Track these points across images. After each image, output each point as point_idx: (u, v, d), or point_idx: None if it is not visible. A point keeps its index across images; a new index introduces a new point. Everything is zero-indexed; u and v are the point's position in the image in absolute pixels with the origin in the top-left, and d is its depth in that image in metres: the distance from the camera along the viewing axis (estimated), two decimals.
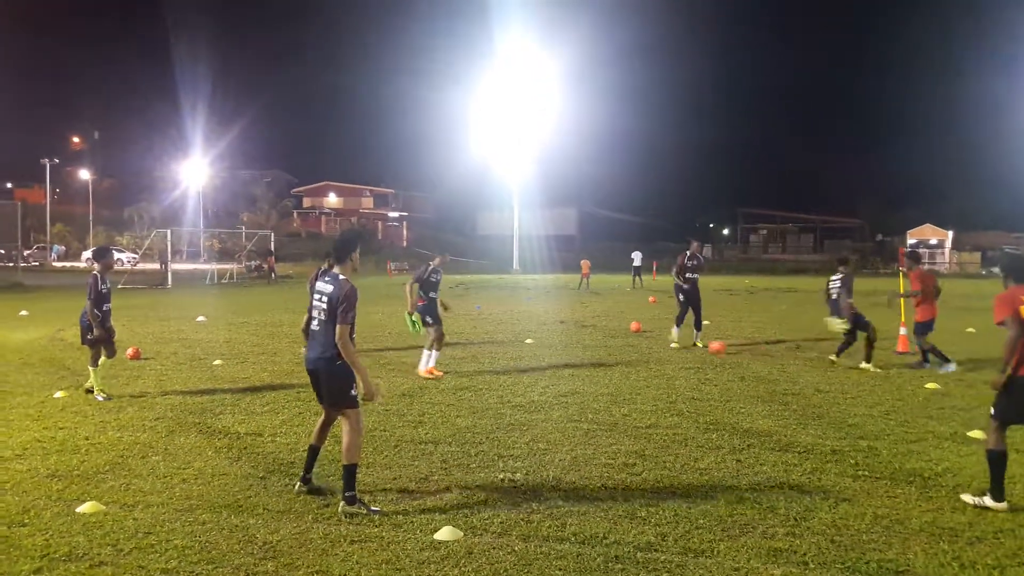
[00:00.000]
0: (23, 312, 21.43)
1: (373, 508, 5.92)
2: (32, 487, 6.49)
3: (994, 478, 6.03)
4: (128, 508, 5.98)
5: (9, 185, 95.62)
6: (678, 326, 15.62)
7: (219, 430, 8.44)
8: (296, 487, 6.36)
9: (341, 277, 6.02)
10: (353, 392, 6.04)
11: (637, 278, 38.32)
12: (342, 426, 6.14)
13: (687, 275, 15.50)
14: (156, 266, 46.30)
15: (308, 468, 6.40)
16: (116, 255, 59.25)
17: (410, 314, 11.33)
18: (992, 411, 6.20)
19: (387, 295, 28.24)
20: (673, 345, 15.20)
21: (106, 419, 8.94)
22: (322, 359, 6.03)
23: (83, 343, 10.44)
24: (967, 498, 6.10)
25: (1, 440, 7.98)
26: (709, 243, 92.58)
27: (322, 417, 6.44)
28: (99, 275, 10.22)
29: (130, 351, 13.64)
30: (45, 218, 74.48)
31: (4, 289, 32.22)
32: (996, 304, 6.18)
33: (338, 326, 5.85)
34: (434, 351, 11.77)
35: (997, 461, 6.03)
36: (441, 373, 11.78)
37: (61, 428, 8.50)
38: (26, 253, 56.96)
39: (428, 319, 11.64)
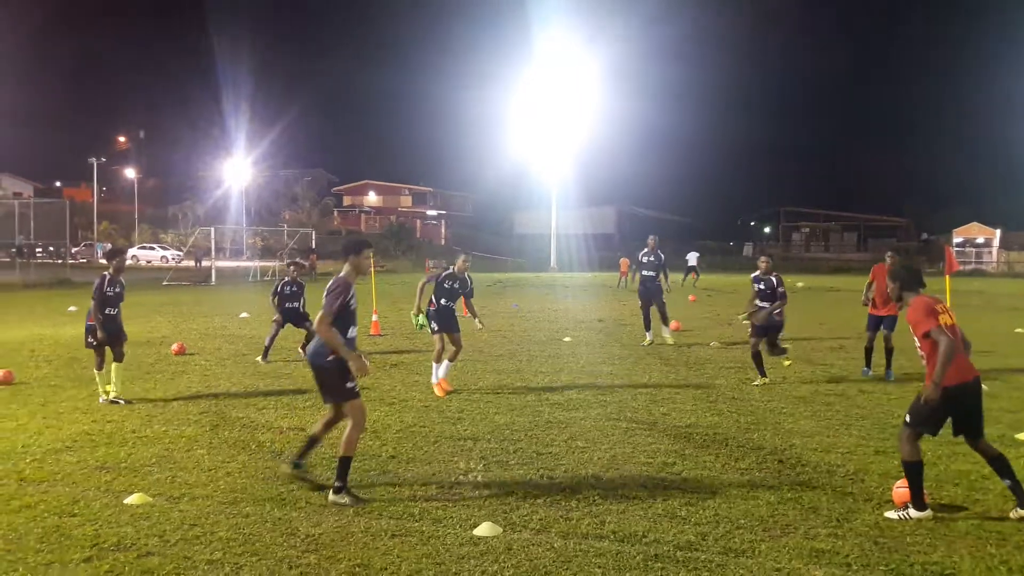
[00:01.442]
0: (72, 308, 21.90)
1: (360, 498, 6.06)
2: (82, 478, 6.65)
3: (913, 488, 5.74)
4: (174, 500, 6.10)
5: (58, 184, 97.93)
6: (648, 329, 15.29)
7: (262, 424, 8.57)
8: (283, 467, 6.61)
9: (340, 275, 6.31)
10: (350, 384, 6.14)
11: (690, 275, 37.77)
12: (347, 419, 6.26)
13: (643, 272, 15.18)
14: (202, 263, 47.00)
15: (301, 454, 6.57)
16: (161, 253, 60.15)
17: (415, 314, 10.56)
18: (908, 419, 5.89)
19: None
20: (644, 344, 15.03)
21: (152, 413, 9.12)
22: (315, 354, 6.25)
23: (86, 346, 10.11)
24: (891, 514, 5.76)
25: (52, 432, 8.19)
26: (751, 242, 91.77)
27: (329, 414, 6.51)
28: (108, 276, 9.87)
29: (175, 346, 13.89)
30: (92, 216, 76.08)
31: (53, 285, 32.97)
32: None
33: (320, 312, 6.02)
34: (444, 363, 10.42)
35: (917, 471, 5.75)
36: (450, 388, 10.36)
37: (109, 421, 8.70)
38: (74, 250, 58.18)
39: (434, 325, 10.43)
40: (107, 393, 9.75)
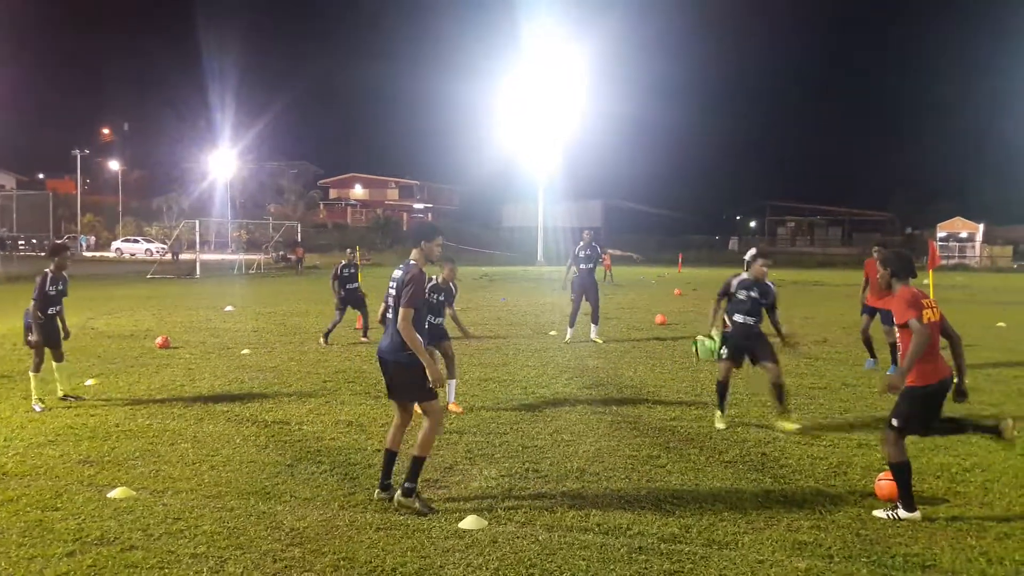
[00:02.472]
0: None
1: (429, 507, 5.72)
2: (64, 472, 6.62)
3: (902, 489, 5.71)
4: (158, 494, 6.08)
5: (41, 176, 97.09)
6: (571, 326, 14.91)
7: (247, 418, 8.55)
8: (375, 494, 6.00)
9: (411, 262, 5.88)
10: (429, 384, 5.74)
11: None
12: (422, 419, 5.91)
13: (580, 266, 14.83)
14: (182, 256, 46.75)
15: (386, 474, 6.02)
16: (146, 246, 59.69)
17: None
18: (894, 422, 5.76)
19: None
20: (566, 342, 14.58)
21: (136, 407, 9.08)
22: (390, 349, 5.80)
23: (24, 343, 9.49)
24: (879, 513, 5.73)
25: (35, 426, 8.14)
26: (736, 236, 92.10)
27: (396, 419, 6.08)
28: (49, 274, 9.23)
29: (159, 340, 13.83)
30: (76, 208, 75.54)
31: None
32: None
33: (402, 308, 5.64)
34: (451, 382, 9.13)
35: (905, 472, 5.70)
36: (460, 409, 8.96)
37: (92, 415, 8.65)
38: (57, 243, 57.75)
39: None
40: (42, 401, 8.99)
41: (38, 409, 8.87)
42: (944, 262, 59.35)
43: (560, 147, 63.72)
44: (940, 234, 69.44)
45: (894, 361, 11.81)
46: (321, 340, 14.17)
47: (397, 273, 5.86)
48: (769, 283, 8.48)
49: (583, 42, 61.96)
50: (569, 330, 14.93)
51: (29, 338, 9.20)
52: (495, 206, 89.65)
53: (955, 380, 5.84)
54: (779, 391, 8.21)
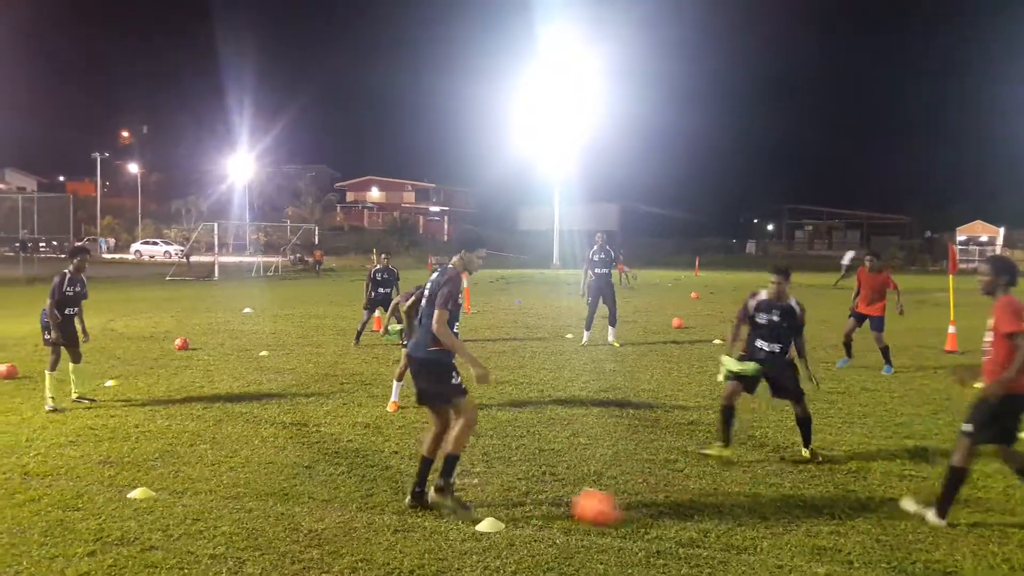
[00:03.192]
0: None
1: (463, 505, 5.71)
2: (85, 473, 6.67)
3: (948, 494, 5.60)
4: (177, 495, 6.12)
5: (61, 178, 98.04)
6: (588, 329, 14.91)
7: (265, 420, 8.59)
8: (406, 501, 5.89)
9: (450, 266, 5.93)
10: (455, 380, 5.74)
11: (845, 278, 36.42)
12: (455, 416, 5.83)
13: (596, 270, 14.80)
14: (194, 259, 47.05)
15: (418, 481, 5.90)
16: (164, 248, 60.01)
17: (387, 327, 10.08)
18: (968, 428, 5.64)
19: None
20: (582, 345, 14.55)
21: (156, 408, 9.14)
22: (417, 348, 5.86)
23: (44, 343, 9.50)
24: (907, 504, 5.74)
25: (56, 427, 8.21)
26: (753, 239, 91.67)
27: (432, 426, 6.00)
28: (68, 274, 9.29)
29: (178, 342, 13.92)
30: (96, 211, 76.21)
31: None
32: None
33: (436, 310, 5.66)
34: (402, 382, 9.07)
35: (960, 479, 5.60)
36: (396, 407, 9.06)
37: (112, 416, 8.72)
38: (77, 245, 58.26)
39: (406, 342, 7.43)
40: (53, 399, 9.01)
41: (48, 408, 8.91)
42: (964, 266, 58.79)
43: (576, 150, 63.68)
44: (960, 238, 68.84)
45: (887, 362, 11.84)
46: (353, 343, 14.44)
47: (434, 276, 5.92)
48: (793, 302, 7.23)
49: (600, 44, 62.01)
50: (586, 333, 14.91)
51: (47, 336, 9.29)
52: (511, 209, 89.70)
53: None
54: (805, 428, 7.22)
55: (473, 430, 5.95)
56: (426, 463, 5.91)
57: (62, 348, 9.30)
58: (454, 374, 5.77)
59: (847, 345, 12.43)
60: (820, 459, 7.08)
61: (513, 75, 66.82)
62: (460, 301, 5.83)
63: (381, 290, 14.69)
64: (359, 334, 14.62)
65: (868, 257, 12.38)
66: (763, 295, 7.24)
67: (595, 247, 14.91)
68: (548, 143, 62.03)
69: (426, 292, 5.94)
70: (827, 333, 16.66)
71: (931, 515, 5.62)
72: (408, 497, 5.91)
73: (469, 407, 5.81)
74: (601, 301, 14.83)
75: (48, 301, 9.21)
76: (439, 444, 5.95)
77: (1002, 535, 5.42)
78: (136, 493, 6.07)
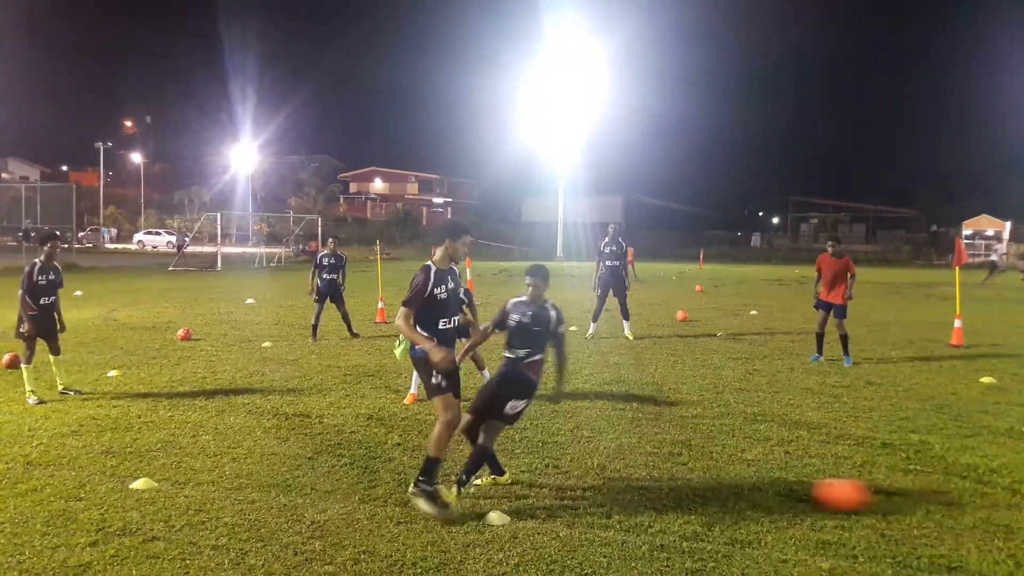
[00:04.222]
0: (77, 292, 21.96)
1: (440, 506, 5.50)
2: (87, 463, 6.66)
3: None
4: (179, 485, 6.10)
5: (64, 168, 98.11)
6: (595, 321, 14.84)
7: (268, 411, 8.57)
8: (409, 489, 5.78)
9: (427, 262, 5.79)
10: (435, 380, 5.60)
11: (992, 273, 35.73)
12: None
13: (606, 262, 14.70)
14: (207, 249, 47.09)
15: (468, 471, 5.85)
16: (167, 238, 59.89)
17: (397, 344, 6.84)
18: None
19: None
20: (587, 337, 14.49)
21: (158, 398, 9.13)
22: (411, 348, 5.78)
23: (16, 336, 9.27)
24: None
25: (58, 417, 8.20)
26: (758, 232, 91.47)
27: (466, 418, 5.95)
28: (39, 263, 9.03)
29: (181, 332, 13.90)
30: (98, 200, 76.23)
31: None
32: None
33: (402, 307, 5.60)
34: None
35: None
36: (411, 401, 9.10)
37: (115, 406, 8.70)
38: (80, 235, 58.31)
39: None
40: (34, 393, 8.87)
41: (32, 402, 8.77)
42: (971, 260, 58.64)
43: (581, 141, 63.54)
44: (966, 231, 68.68)
45: (845, 352, 11.79)
46: (310, 339, 13.81)
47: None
48: (549, 305, 6.07)
49: (605, 36, 61.88)
50: (592, 325, 14.86)
51: (20, 330, 9.08)
52: (515, 201, 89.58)
53: None
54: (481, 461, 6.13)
55: (453, 434, 5.72)
56: (481, 454, 5.91)
57: (38, 340, 9.12)
58: (432, 375, 5.61)
59: (819, 340, 12.30)
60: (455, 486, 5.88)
61: (519, 66, 66.68)
62: (442, 296, 5.66)
63: (326, 276, 14.24)
64: (315, 328, 13.96)
65: (830, 242, 12.32)
66: (606, 238, 6.70)
67: (607, 239, 14.81)
68: (553, 135, 61.92)
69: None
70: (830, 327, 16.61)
71: None
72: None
73: (441, 408, 5.63)
74: (612, 294, 14.79)
75: (19, 292, 9.01)
76: (476, 432, 5.93)
77: (1007, 531, 5.39)
78: (138, 484, 6.06)
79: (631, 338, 14.57)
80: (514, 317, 5.97)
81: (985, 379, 10.76)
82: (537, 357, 5.99)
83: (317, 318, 14.06)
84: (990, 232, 71.29)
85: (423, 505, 5.52)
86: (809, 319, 18.27)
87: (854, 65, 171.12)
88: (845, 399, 9.53)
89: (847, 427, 8.16)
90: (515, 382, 5.91)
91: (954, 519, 5.59)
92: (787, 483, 6.34)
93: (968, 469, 6.74)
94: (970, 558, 4.95)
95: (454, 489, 5.72)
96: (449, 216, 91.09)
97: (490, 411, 5.89)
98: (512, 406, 5.83)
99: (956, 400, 9.52)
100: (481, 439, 5.90)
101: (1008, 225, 70.93)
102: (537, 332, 5.95)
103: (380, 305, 17.26)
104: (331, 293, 14.34)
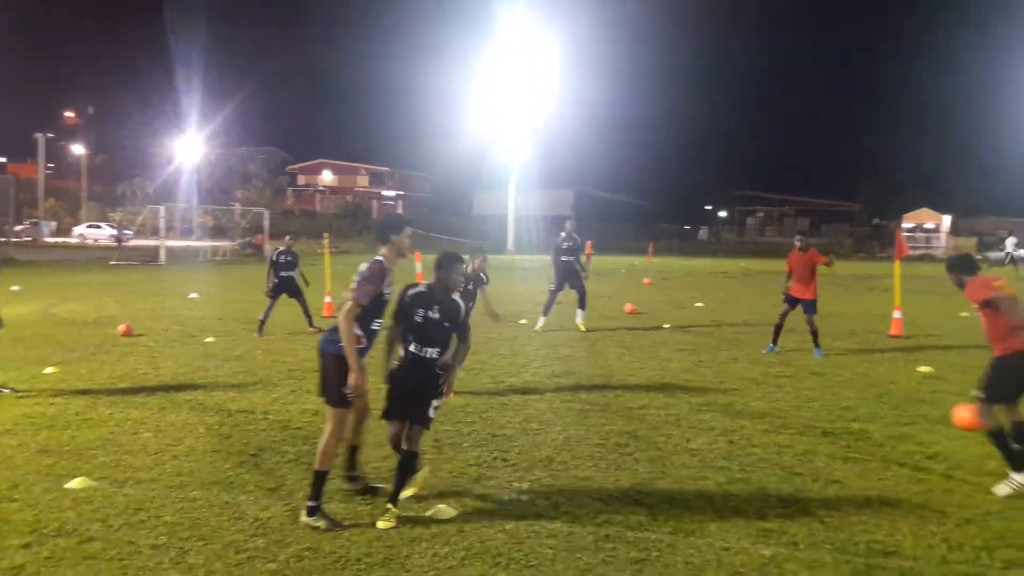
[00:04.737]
0: (15, 287, 21.32)
1: (340, 524, 5.21)
2: (22, 462, 6.48)
3: (1004, 452, 6.03)
4: (118, 484, 5.97)
5: (3, 160, 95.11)
6: (545, 315, 14.84)
7: (211, 407, 8.42)
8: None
9: (376, 258, 5.43)
10: (344, 390, 5.25)
11: (1013, 265, 35.81)
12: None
13: (563, 257, 14.85)
14: (150, 242, 46.13)
15: (346, 467, 5.82)
16: (110, 231, 58.41)
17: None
18: (982, 395, 6.15)
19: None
20: (536, 331, 14.42)
21: (97, 395, 8.91)
22: (327, 340, 5.40)
23: None
24: (1001, 490, 5.92)
25: None
26: (706, 225, 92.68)
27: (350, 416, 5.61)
28: None
29: (122, 327, 13.59)
30: (38, 193, 74.10)
31: None
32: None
33: (349, 302, 5.23)
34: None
35: (1002, 437, 6.05)
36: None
37: (52, 404, 8.47)
38: (18, 228, 56.66)
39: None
40: None
41: None
42: (911, 253, 60.14)
43: (532, 135, 63.60)
44: (907, 225, 70.39)
45: (816, 345, 12.06)
46: (256, 333, 13.63)
47: (362, 267, 5.42)
48: (457, 296, 5.69)
49: (556, 29, 61.78)
50: (542, 319, 14.87)
51: None
52: (467, 194, 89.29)
53: None
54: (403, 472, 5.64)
55: (336, 445, 5.41)
56: (350, 450, 5.83)
57: None
58: (346, 384, 5.24)
59: (776, 331, 12.53)
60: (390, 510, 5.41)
61: (469, 58, 66.12)
62: (387, 298, 5.40)
63: (283, 273, 14.15)
64: (263, 323, 13.78)
65: (798, 237, 12.68)
66: (420, 287, 5.68)
67: (563, 234, 14.91)
68: (504, 128, 61.88)
69: (354, 282, 5.37)
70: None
71: (1016, 476, 5.93)
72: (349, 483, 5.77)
73: (338, 422, 5.34)
74: (568, 287, 14.86)
75: None
76: (356, 431, 5.83)
77: (941, 516, 5.54)
78: (75, 483, 5.91)
79: (583, 329, 14.63)
80: (420, 312, 5.54)
81: (923, 368, 11.05)
82: (448, 354, 5.71)
83: (267, 314, 13.91)
84: (930, 225, 73.26)
85: (321, 525, 5.16)
86: (753, 311, 18.59)
87: (800, 62, 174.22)
88: (788, 389, 9.70)
89: (789, 416, 8.31)
90: (433, 382, 5.56)
91: (891, 505, 5.73)
92: (731, 472, 6.44)
93: (905, 456, 6.91)
94: (905, 543, 5.07)
95: (389, 514, 5.29)
96: (401, 209, 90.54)
97: (413, 416, 5.51)
98: (435, 407, 5.57)
99: (895, 389, 9.76)
100: (406, 446, 5.48)
101: (947, 218, 72.95)
102: (447, 328, 5.62)
103: (327, 299, 17.08)
104: (288, 289, 14.19)
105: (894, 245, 15.89)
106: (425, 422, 5.52)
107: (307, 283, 14.71)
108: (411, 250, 5.81)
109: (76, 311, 16.95)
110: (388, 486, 5.62)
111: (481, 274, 9.74)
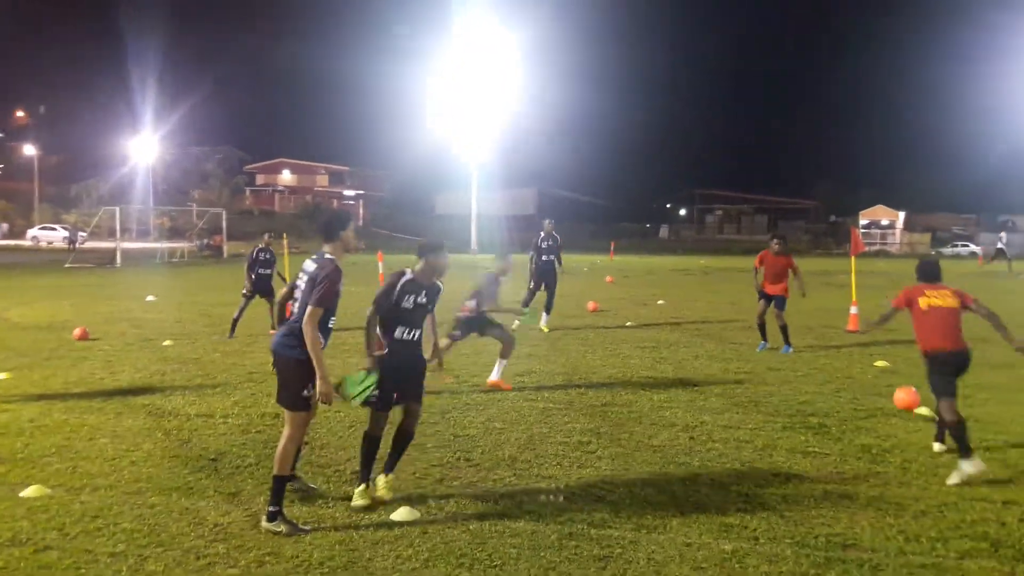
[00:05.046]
0: None
1: (302, 527, 5.17)
2: None
3: (960, 443, 6.28)
4: (75, 491, 5.85)
5: None
6: (535, 311, 14.58)
7: (169, 412, 8.30)
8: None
9: (327, 256, 5.36)
10: (306, 393, 5.21)
11: (1008, 261, 35.41)
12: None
13: (543, 257, 15.00)
14: (106, 244, 45.31)
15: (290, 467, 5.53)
16: (64, 234, 57.33)
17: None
18: (934, 394, 6.70)
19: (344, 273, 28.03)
20: (514, 327, 13.82)
21: (52, 401, 8.72)
22: (281, 344, 5.31)
23: None
24: (953, 480, 6.13)
25: None
26: (667, 224, 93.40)
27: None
28: None
29: (77, 331, 13.33)
30: None
31: None
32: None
33: (310, 307, 5.16)
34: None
35: (961, 428, 6.33)
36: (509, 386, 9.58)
37: (5, 410, 8.27)
38: None
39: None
40: None
41: None
42: (866, 249, 61.18)
43: (493, 134, 63.56)
44: (863, 221, 71.70)
45: (786, 341, 12.35)
46: (228, 335, 13.52)
47: (311, 267, 5.36)
48: (440, 282, 6.15)
49: (516, 28, 61.82)
50: (545, 316, 14.89)
51: None
52: (428, 193, 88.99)
53: None
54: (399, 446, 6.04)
55: (295, 449, 5.40)
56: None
57: None
58: (307, 387, 5.20)
59: (761, 328, 12.71)
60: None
61: (430, 56, 65.89)
62: (339, 296, 5.35)
63: (261, 271, 14.05)
64: (235, 324, 13.66)
65: (776, 240, 12.83)
66: (408, 274, 5.93)
67: (542, 234, 14.99)
68: (466, 127, 61.76)
69: (300, 283, 5.39)
70: (736, 314, 17.08)
71: (964, 464, 6.16)
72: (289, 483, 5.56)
73: (297, 426, 5.31)
74: (543, 287, 14.88)
75: None
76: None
77: (898, 507, 5.64)
78: (29, 491, 5.78)
79: (545, 330, 14.66)
80: (410, 299, 5.79)
81: (879, 363, 11.25)
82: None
83: (240, 313, 13.79)
84: (885, 222, 74.64)
85: (282, 530, 5.11)
86: (713, 308, 18.80)
87: (756, 63, 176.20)
88: (747, 384, 9.82)
89: (749, 412, 8.41)
90: (422, 360, 5.96)
91: (849, 498, 5.82)
92: (692, 468, 6.50)
93: (863, 450, 7.03)
94: (864, 535, 5.16)
95: (380, 480, 5.71)
96: (362, 209, 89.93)
97: (413, 396, 5.86)
98: (425, 386, 5.92)
99: (852, 384, 9.92)
100: (408, 427, 5.87)
101: (902, 215, 74.38)
102: (428, 310, 6.00)
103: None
104: (263, 289, 14.04)
105: (850, 241, 16.16)
106: (421, 398, 5.95)
107: (285, 282, 14.44)
108: (357, 247, 5.78)
109: (29, 315, 16.59)
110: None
111: (503, 276, 9.87)
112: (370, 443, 5.72)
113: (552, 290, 15.09)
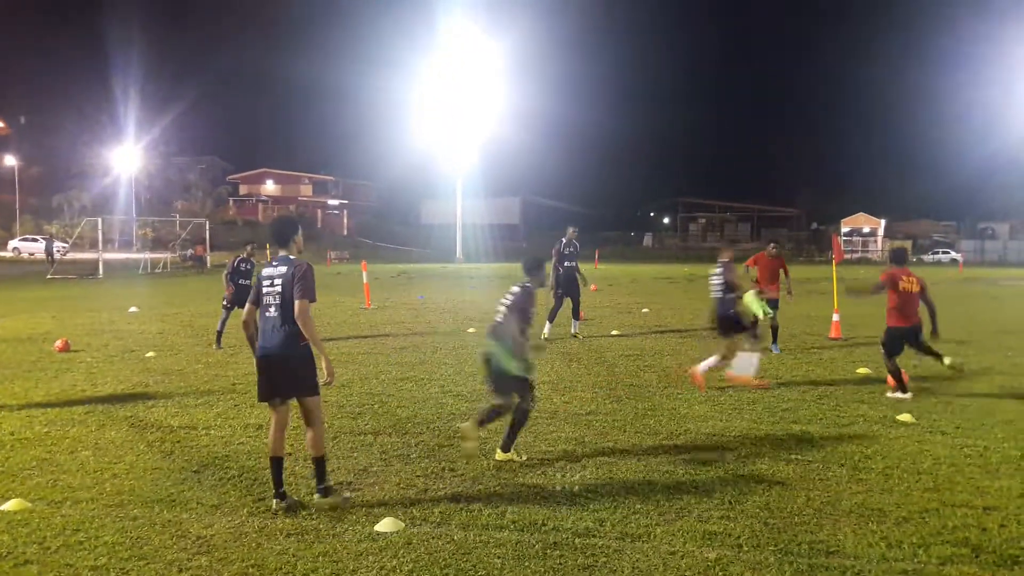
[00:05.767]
0: None
1: (345, 495, 5.92)
2: None
3: (897, 379, 9.36)
4: (56, 505, 5.81)
5: None
6: (551, 321, 14.93)
7: (151, 424, 8.25)
8: (273, 506, 5.71)
9: (292, 257, 5.77)
10: (317, 378, 5.77)
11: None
12: (305, 418, 5.82)
13: (565, 263, 14.99)
14: (88, 255, 44.98)
15: (278, 483, 5.75)
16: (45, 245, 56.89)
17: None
18: (884, 351, 9.56)
19: (326, 285, 27.99)
20: (543, 337, 14.40)
21: (33, 414, 8.65)
22: (284, 344, 5.62)
23: None
24: (892, 394, 9.32)
25: None
26: (651, 232, 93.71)
27: (274, 420, 5.79)
28: None
29: (59, 343, 13.23)
30: None
31: None
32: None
33: (298, 301, 5.54)
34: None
35: (896, 370, 9.39)
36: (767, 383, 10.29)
37: None
38: None
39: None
40: None
41: None
42: (848, 256, 61.68)
43: (478, 143, 63.70)
44: (844, 229, 72.27)
45: (774, 340, 12.78)
46: (213, 346, 13.51)
47: (279, 270, 5.68)
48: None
49: (500, 38, 62.07)
50: (548, 325, 14.85)
51: None
52: (413, 202, 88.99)
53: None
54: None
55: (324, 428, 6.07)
56: (277, 463, 5.77)
57: None
58: (316, 372, 5.80)
59: (772, 330, 13.01)
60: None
61: (414, 66, 66.00)
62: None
63: (241, 281, 13.92)
64: (220, 335, 13.68)
65: (773, 244, 13.45)
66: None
67: (565, 240, 15.01)
68: (450, 137, 61.86)
69: (270, 289, 5.70)
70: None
71: (899, 394, 9.28)
72: (276, 501, 5.71)
73: (319, 409, 5.88)
74: (563, 293, 15.01)
75: None
76: (284, 438, 5.91)
77: (880, 514, 5.68)
78: (10, 505, 5.73)
79: (580, 337, 14.84)
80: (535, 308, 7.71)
81: (862, 370, 11.32)
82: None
83: (223, 324, 13.73)
84: (866, 229, 75.22)
85: (337, 502, 5.77)
86: (698, 316, 18.84)
87: (740, 71, 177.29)
88: (731, 392, 9.85)
89: (732, 419, 8.45)
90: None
91: (832, 505, 5.85)
92: (676, 476, 6.52)
93: (845, 457, 7.07)
94: (847, 542, 5.19)
95: (512, 454, 6.94)
96: (346, 219, 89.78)
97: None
98: None
99: (835, 391, 9.98)
100: (521, 404, 6.97)
101: (883, 223, 75.01)
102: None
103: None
104: (242, 300, 13.91)
105: (832, 249, 16.31)
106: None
107: None
108: (302, 250, 6.03)
109: (10, 327, 16.45)
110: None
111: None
112: (525, 416, 7.00)
113: (576, 298, 15.17)
